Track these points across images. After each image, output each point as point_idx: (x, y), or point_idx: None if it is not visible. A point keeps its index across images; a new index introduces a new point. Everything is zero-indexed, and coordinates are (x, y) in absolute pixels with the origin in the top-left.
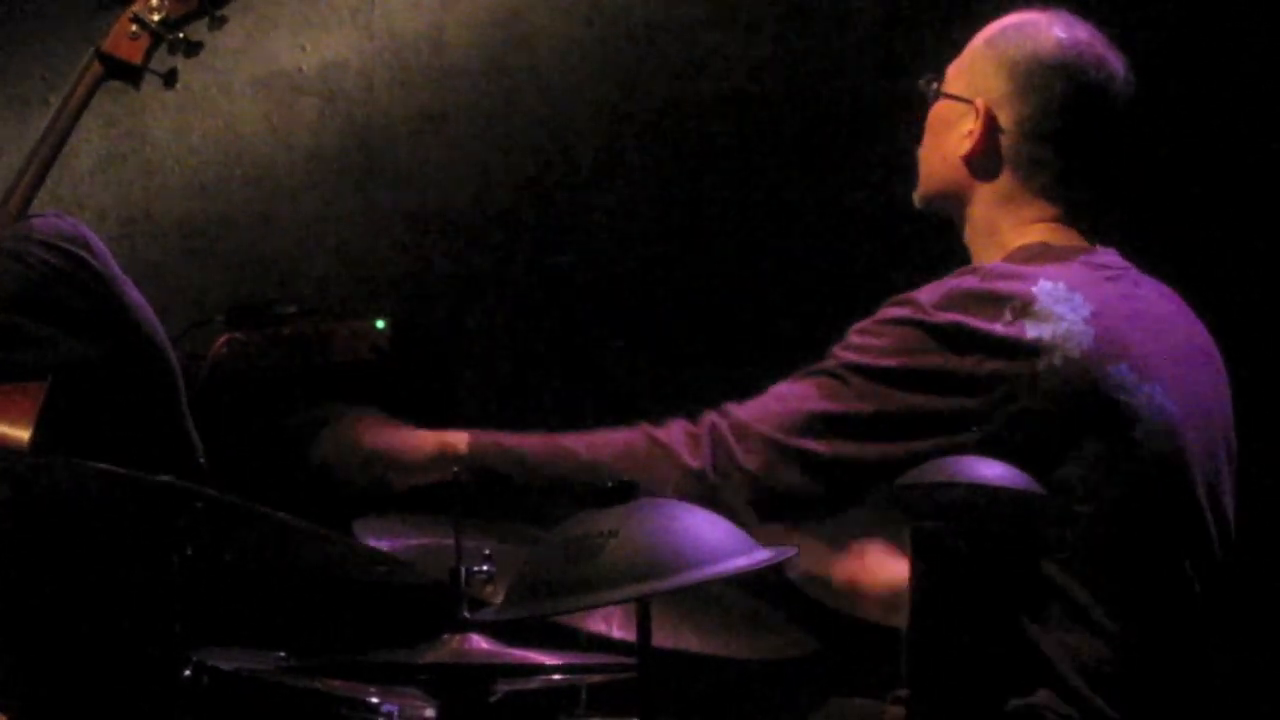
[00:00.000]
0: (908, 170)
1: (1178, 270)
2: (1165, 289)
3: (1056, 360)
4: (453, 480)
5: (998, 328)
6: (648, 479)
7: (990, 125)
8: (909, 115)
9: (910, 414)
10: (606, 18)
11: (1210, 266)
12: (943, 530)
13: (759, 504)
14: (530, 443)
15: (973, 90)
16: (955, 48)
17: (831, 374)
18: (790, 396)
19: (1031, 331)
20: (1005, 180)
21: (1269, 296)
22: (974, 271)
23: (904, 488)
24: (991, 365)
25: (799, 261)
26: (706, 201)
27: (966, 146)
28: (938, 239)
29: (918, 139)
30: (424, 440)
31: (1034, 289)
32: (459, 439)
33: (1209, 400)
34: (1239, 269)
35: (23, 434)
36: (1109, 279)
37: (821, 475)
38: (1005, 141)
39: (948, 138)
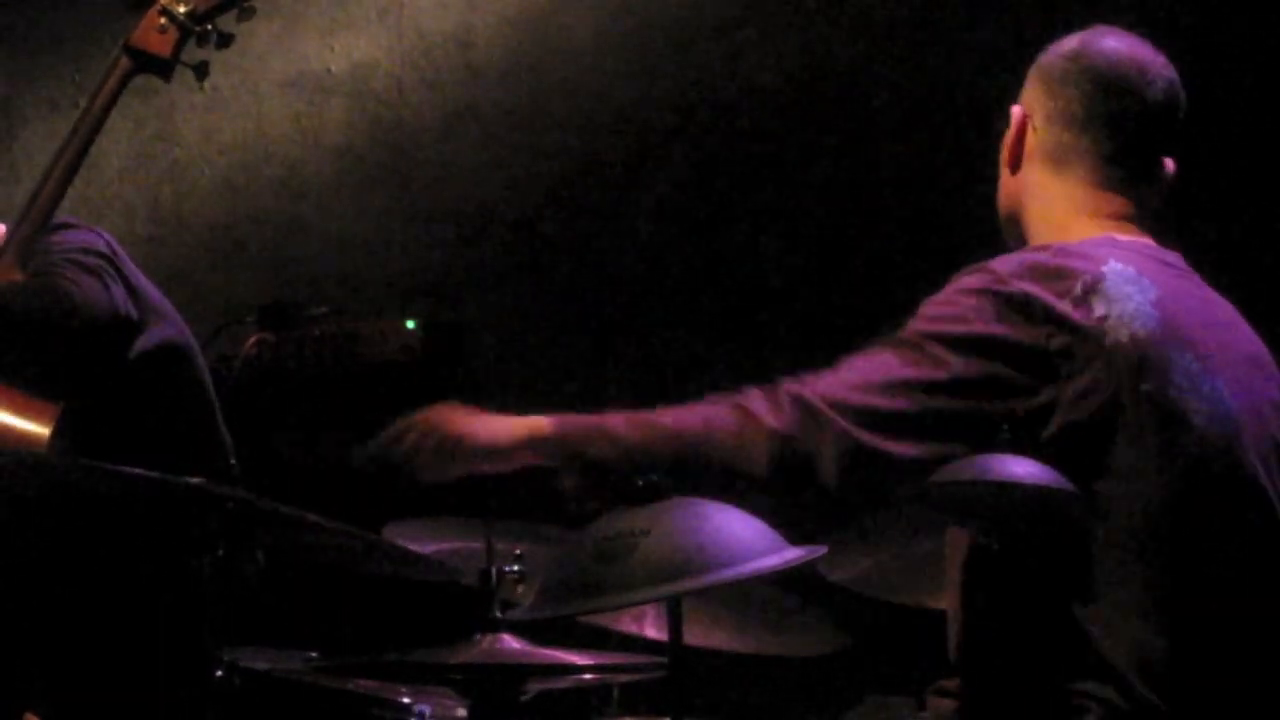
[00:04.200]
0: (938, 166)
1: (1234, 283)
2: (1225, 300)
3: (1123, 336)
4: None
5: (1067, 303)
6: (736, 444)
7: (1022, 126)
8: (940, 112)
9: (985, 380)
10: (635, 16)
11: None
12: (974, 528)
13: (847, 467)
14: (615, 420)
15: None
16: (985, 46)
17: (909, 343)
18: (870, 365)
19: (1099, 309)
20: (1040, 171)
21: None
22: (1046, 248)
23: (934, 485)
24: (1060, 340)
25: (829, 260)
26: (735, 200)
27: (1011, 156)
28: (971, 236)
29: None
30: (511, 425)
31: (1104, 268)
32: (541, 423)
33: (1267, 410)
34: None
35: (44, 430)
36: (1175, 275)
37: (909, 436)
38: (1038, 137)
39: (1002, 166)
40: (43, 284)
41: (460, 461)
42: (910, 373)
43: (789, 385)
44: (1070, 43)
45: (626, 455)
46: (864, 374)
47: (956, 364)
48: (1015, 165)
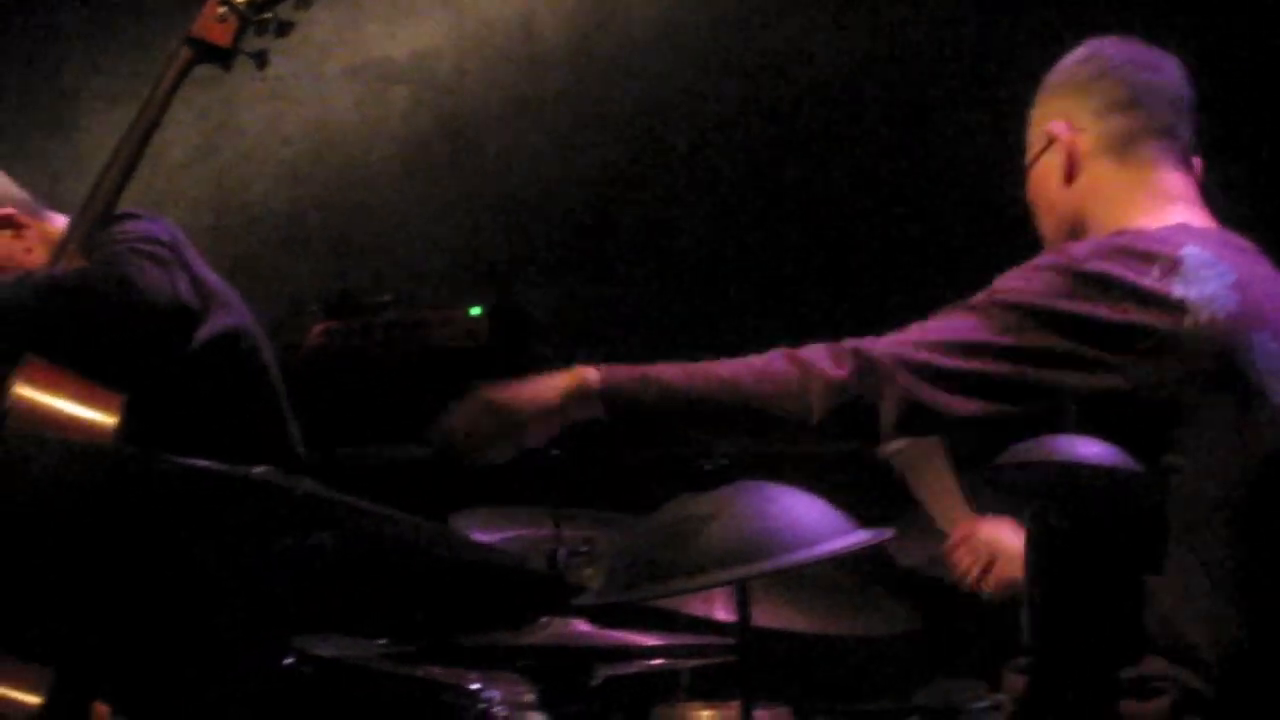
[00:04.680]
0: (995, 156)
1: None
2: None
3: (1203, 319)
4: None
5: (1146, 281)
6: (790, 395)
7: (1071, 135)
8: (997, 104)
9: (1050, 351)
10: (698, 1)
11: None
12: (1043, 509)
13: (905, 420)
14: (666, 369)
15: (1044, 135)
16: (1046, 39)
17: (978, 308)
18: (939, 325)
19: (1179, 290)
20: (1103, 165)
21: None
22: (1123, 233)
23: (1001, 467)
24: (1139, 316)
25: (898, 244)
26: (796, 185)
27: (1064, 170)
28: (1022, 227)
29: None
30: (555, 382)
31: (1182, 251)
32: (588, 374)
33: None
34: None
35: (110, 420)
36: (1249, 259)
37: (968, 394)
38: (1091, 135)
39: (1049, 187)
40: (107, 271)
41: (515, 435)
42: (976, 335)
43: (851, 341)
44: (1077, 53)
45: (680, 403)
46: (932, 332)
47: (1024, 332)
48: (1071, 175)
